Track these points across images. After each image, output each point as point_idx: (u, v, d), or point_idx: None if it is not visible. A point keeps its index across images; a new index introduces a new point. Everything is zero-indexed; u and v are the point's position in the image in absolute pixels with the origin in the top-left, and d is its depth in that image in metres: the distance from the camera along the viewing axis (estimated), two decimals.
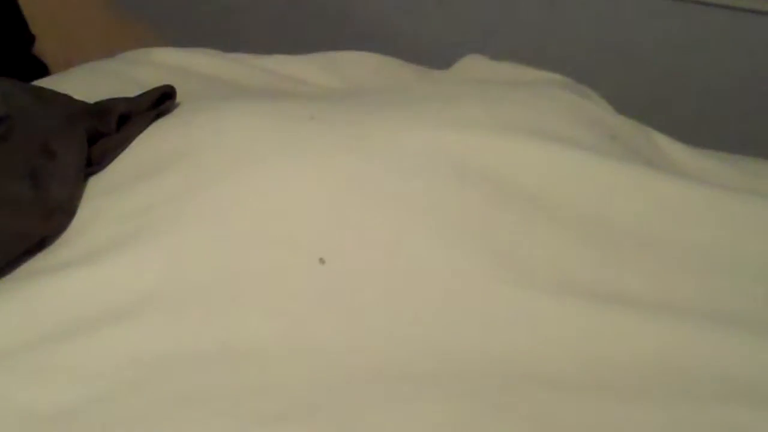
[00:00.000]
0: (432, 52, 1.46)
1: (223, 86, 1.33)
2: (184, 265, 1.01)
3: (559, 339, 0.93)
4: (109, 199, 1.08)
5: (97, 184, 1.11)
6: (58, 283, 0.98)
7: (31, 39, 1.58)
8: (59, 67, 1.56)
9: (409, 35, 1.73)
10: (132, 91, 1.22)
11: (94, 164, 1.13)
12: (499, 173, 1.06)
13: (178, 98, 1.22)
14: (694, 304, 0.97)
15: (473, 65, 1.37)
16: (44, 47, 1.57)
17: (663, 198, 1.05)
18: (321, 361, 0.92)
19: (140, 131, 1.15)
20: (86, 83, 1.31)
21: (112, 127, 1.16)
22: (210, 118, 1.14)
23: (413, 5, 1.75)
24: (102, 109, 1.19)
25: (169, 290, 0.98)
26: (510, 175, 1.06)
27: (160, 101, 1.22)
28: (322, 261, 0.99)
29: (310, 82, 1.40)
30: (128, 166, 1.13)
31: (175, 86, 1.21)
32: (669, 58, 1.61)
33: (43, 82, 1.34)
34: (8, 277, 1.00)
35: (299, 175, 1.05)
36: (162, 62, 1.41)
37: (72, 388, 0.88)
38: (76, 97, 1.22)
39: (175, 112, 1.20)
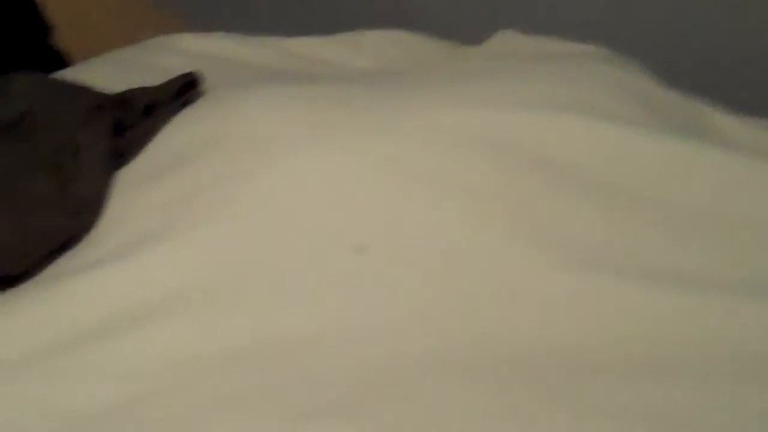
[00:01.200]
0: (461, 28, 1.44)
1: (251, 71, 1.34)
2: (219, 257, 0.99)
3: (609, 323, 0.93)
4: (138, 192, 1.07)
5: (124, 177, 1.10)
6: (88, 283, 0.97)
7: (49, 29, 1.59)
8: (80, 58, 1.55)
9: (436, 10, 1.72)
10: (157, 81, 1.21)
11: (120, 157, 1.12)
12: (542, 153, 1.06)
13: (205, 85, 1.21)
14: (751, 284, 0.95)
15: (506, 41, 1.35)
16: (63, 37, 1.58)
17: (717, 175, 1.04)
18: (364, 351, 0.90)
19: (167, 121, 1.14)
20: (109, 74, 1.31)
21: (137, 117, 1.16)
22: (240, 106, 1.15)
23: None
24: (126, 99, 1.18)
25: (205, 285, 0.96)
26: (554, 155, 1.06)
27: (185, 89, 1.20)
28: (361, 248, 0.98)
29: (338, 63, 1.41)
30: (157, 158, 1.12)
31: (201, 73, 1.20)
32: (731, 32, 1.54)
33: (63, 74, 1.35)
34: (36, 279, 1.01)
35: (334, 161, 1.04)
36: (186, 48, 1.41)
37: (105, 389, 0.88)
38: (99, 88, 1.20)
39: (203, 100, 1.19)
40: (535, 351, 0.92)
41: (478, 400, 0.85)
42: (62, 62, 1.57)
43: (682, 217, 1.02)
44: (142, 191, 1.07)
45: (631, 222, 1.03)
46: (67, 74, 1.34)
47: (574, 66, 1.20)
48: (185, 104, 1.17)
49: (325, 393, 0.86)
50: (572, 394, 0.86)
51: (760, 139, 1.14)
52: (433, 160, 1.05)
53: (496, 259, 0.99)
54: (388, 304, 0.96)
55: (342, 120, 1.10)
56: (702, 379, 0.87)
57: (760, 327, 0.92)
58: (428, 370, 0.89)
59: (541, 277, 0.98)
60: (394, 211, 1.02)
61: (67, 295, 0.97)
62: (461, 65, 1.31)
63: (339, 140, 1.07)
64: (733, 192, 1.04)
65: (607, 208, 1.03)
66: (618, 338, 0.92)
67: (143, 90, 1.20)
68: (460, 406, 0.85)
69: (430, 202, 1.03)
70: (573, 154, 1.06)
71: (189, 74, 1.20)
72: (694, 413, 0.83)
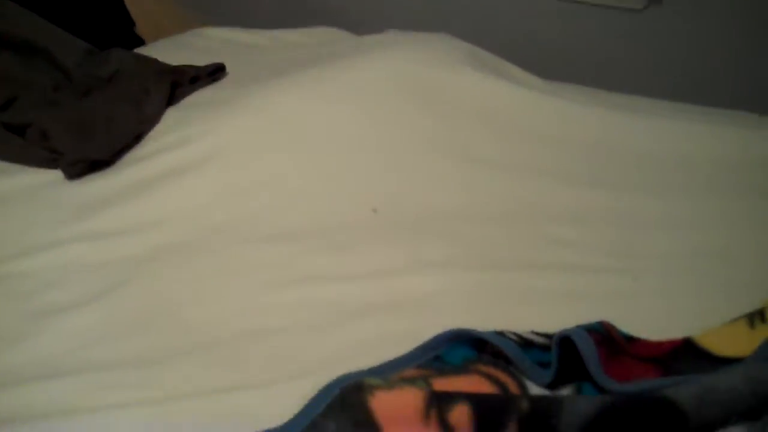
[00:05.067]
0: (368, 28, 1.61)
1: (248, 49, 1.55)
2: (223, 143, 1.19)
3: (463, 189, 1.12)
4: (181, 118, 1.31)
5: (176, 110, 1.34)
6: (147, 162, 1.20)
7: (132, 24, 1.72)
8: (150, 41, 1.71)
9: (352, 16, 1.95)
10: (193, 55, 1.46)
11: (174, 101, 1.37)
12: (424, 89, 1.25)
13: (223, 59, 1.45)
14: (520, 162, 1.16)
15: (395, 34, 1.53)
16: (141, 29, 1.73)
17: (510, 97, 1.26)
18: (314, 206, 1.08)
19: (202, 87, 1.40)
20: (168, 51, 1.54)
21: (186, 82, 1.41)
22: (240, 86, 1.36)
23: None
24: (181, 70, 1.43)
25: (207, 157, 1.17)
26: (431, 89, 1.26)
27: (216, 71, 1.44)
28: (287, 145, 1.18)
29: (299, 43, 1.60)
30: (193, 105, 1.36)
31: (220, 51, 1.42)
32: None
33: (141, 50, 1.57)
34: (118, 163, 1.23)
35: (297, 95, 1.27)
36: (212, 36, 1.62)
37: (150, 211, 1.09)
38: (162, 59, 1.47)
39: (225, 80, 1.42)
40: (425, 209, 1.09)
41: (388, 234, 1.03)
42: (140, 43, 1.69)
43: (516, 125, 1.22)
44: (182, 118, 1.30)
45: (476, 129, 1.20)
46: (142, 51, 1.56)
47: (439, 42, 1.42)
48: (215, 80, 1.42)
49: (286, 225, 1.04)
50: (432, 229, 1.04)
51: (530, 81, 1.37)
52: (356, 93, 1.23)
53: (403, 152, 1.15)
54: (320, 177, 1.13)
55: (303, 72, 1.32)
56: (501, 221, 1.05)
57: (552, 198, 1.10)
58: (363, 227, 1.05)
59: (433, 163, 1.15)
60: (328, 119, 1.20)
61: (134, 168, 1.19)
62: (370, 42, 1.50)
63: (299, 85, 1.28)
64: (536, 111, 1.24)
65: (456, 119, 1.21)
66: (464, 202, 1.09)
67: (192, 67, 1.43)
68: (376, 242, 1.02)
69: (351, 117, 1.20)
70: (442, 88, 1.24)
71: (219, 63, 1.44)
72: (493, 237, 1.01)
